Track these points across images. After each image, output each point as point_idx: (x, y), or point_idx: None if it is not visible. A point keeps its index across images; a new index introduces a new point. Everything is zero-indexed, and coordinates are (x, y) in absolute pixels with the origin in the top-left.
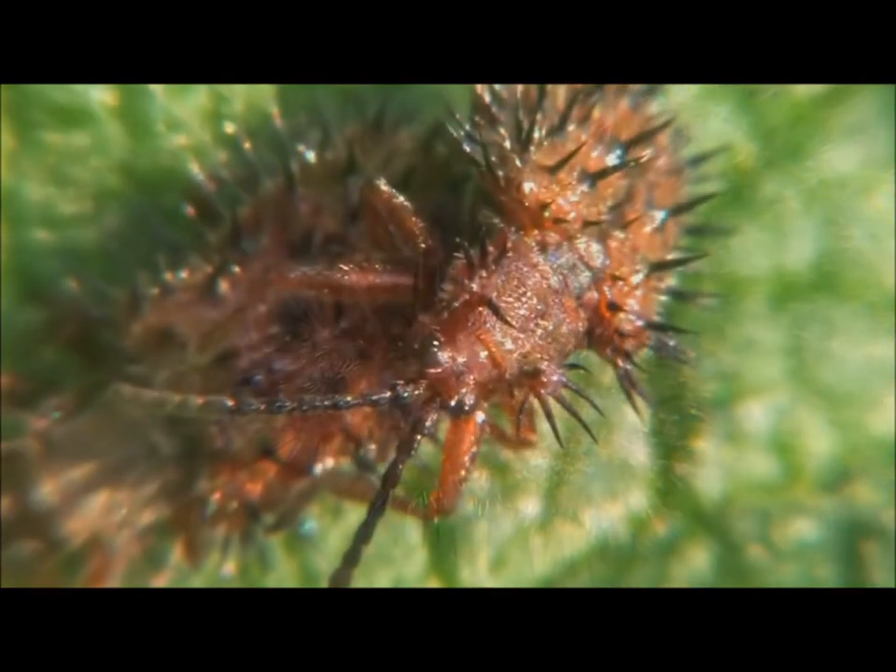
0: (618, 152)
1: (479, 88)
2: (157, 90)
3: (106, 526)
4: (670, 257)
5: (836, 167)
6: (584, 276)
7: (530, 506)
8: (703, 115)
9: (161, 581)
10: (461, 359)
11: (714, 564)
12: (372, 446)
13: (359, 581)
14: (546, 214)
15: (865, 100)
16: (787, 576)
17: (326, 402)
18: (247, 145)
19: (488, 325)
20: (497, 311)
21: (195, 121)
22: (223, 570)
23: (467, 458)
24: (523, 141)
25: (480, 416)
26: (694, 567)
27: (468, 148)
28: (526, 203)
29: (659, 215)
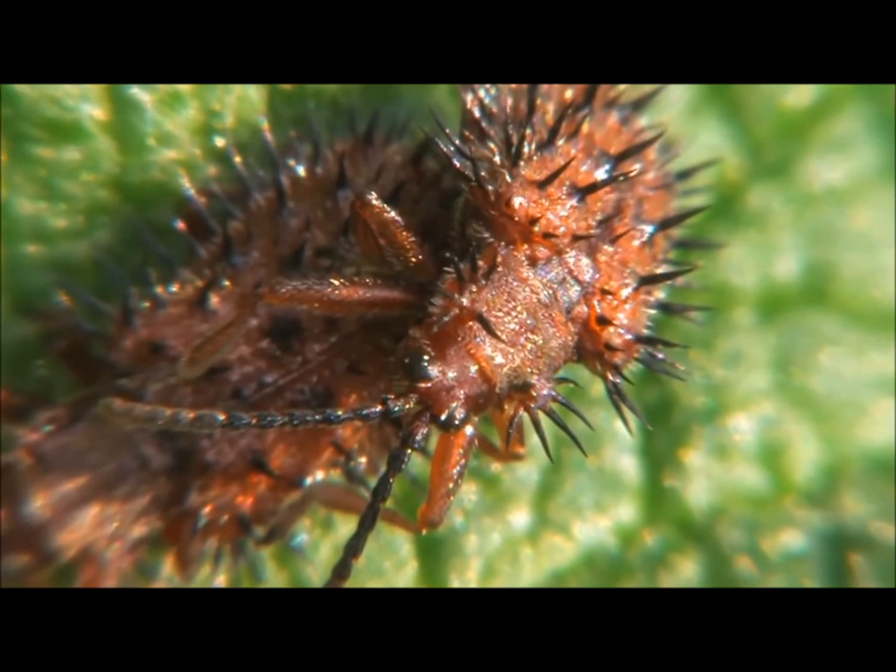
0: (607, 166)
1: (469, 102)
2: (147, 104)
3: (98, 539)
4: (659, 270)
5: (824, 179)
6: (574, 290)
7: (519, 517)
8: (691, 129)
9: None
10: (451, 374)
11: (702, 575)
12: (363, 459)
13: None
14: (536, 228)
15: (852, 112)
16: (775, 587)
17: (317, 416)
18: (238, 159)
19: (478, 339)
20: (486, 325)
21: (186, 136)
22: (214, 583)
23: (455, 472)
24: (512, 156)
25: (469, 430)
26: (683, 578)
27: (457, 163)
28: (516, 218)
29: (648, 228)
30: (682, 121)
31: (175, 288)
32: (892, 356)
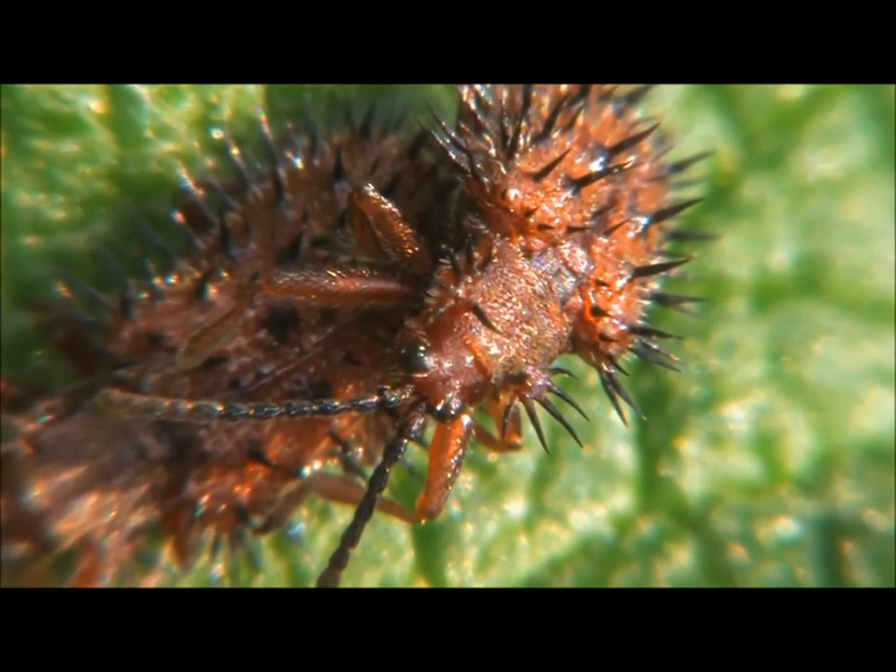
0: (601, 158)
1: (464, 95)
2: (145, 97)
3: (96, 528)
4: (654, 261)
5: (817, 170)
6: (569, 282)
7: (515, 506)
8: (685, 121)
9: (150, 582)
10: (447, 364)
11: (697, 563)
12: (359, 449)
13: (347, 582)
14: (531, 220)
15: (845, 104)
16: (769, 575)
17: (314, 407)
18: (235, 151)
19: (474, 330)
20: (482, 316)
21: (183, 128)
22: (212, 572)
23: (453, 461)
24: (508, 148)
25: (466, 420)
26: (678, 566)
27: (453, 155)
28: (511, 210)
29: (642, 220)
30: (676, 113)
31: (173, 280)
32: (885, 345)
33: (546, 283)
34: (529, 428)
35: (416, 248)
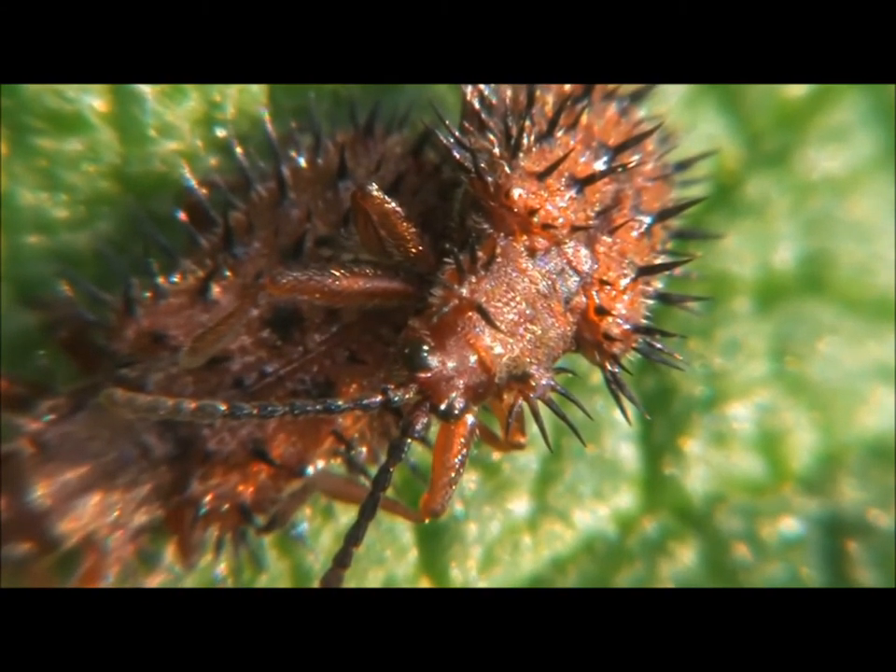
0: (605, 158)
1: (468, 94)
2: (149, 95)
3: (100, 527)
4: (657, 260)
5: (821, 168)
6: (572, 281)
7: (519, 505)
8: (689, 119)
9: (154, 581)
10: (451, 364)
11: (701, 562)
12: (363, 448)
13: (351, 581)
14: (535, 219)
15: (849, 102)
16: (772, 574)
17: (317, 406)
18: (239, 150)
19: (478, 329)
20: (486, 315)
21: (187, 127)
22: (216, 571)
23: (457, 461)
24: (512, 147)
25: (469, 419)
26: (682, 565)
27: (457, 154)
28: (515, 209)
29: (646, 219)
30: (680, 112)
31: (176, 279)
32: (889, 344)
33: (550, 282)
34: (533, 427)
35: (420, 247)
